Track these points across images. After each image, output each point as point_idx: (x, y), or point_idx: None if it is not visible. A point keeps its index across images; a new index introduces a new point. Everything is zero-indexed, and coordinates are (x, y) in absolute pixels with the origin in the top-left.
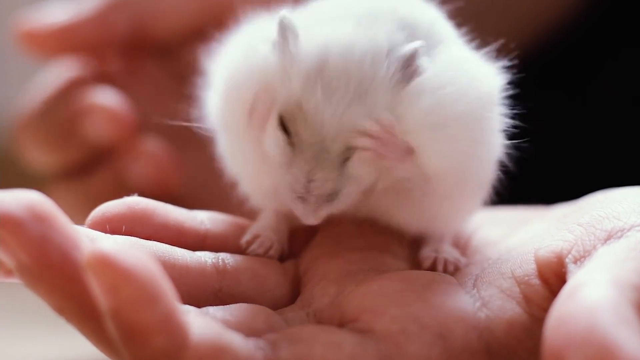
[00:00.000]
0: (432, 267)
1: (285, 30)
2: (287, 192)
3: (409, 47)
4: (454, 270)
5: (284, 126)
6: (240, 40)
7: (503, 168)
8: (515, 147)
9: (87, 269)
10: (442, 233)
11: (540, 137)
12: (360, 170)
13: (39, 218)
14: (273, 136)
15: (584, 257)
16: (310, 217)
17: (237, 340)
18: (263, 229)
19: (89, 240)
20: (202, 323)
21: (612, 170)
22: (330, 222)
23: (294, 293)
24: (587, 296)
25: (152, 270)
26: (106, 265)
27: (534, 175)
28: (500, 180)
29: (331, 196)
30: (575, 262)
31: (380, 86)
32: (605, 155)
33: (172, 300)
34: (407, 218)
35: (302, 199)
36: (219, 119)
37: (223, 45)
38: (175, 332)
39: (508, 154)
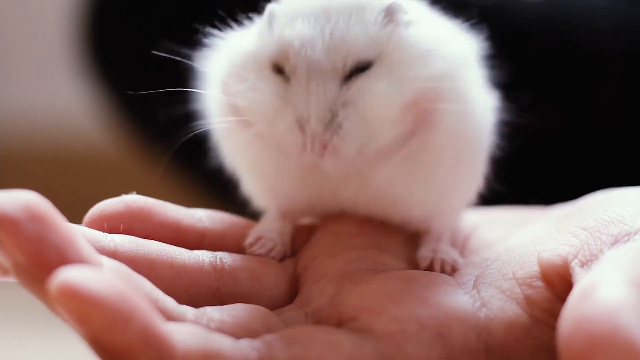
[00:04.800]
0: (429, 268)
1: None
2: (288, 126)
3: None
4: (451, 272)
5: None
6: (230, 43)
7: (500, 169)
8: (512, 146)
9: (55, 302)
10: (440, 228)
11: (536, 136)
12: (362, 91)
13: (36, 218)
14: (269, 81)
15: (591, 260)
16: (315, 147)
17: (226, 344)
18: (266, 231)
19: (85, 243)
20: (185, 331)
21: (609, 170)
22: (330, 221)
23: (292, 292)
24: (605, 295)
25: (120, 291)
26: (72, 296)
27: (533, 175)
28: (498, 180)
29: (334, 122)
30: (582, 266)
31: (364, 20)
32: (602, 155)
33: (148, 315)
34: (410, 204)
35: (304, 126)
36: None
37: (213, 49)
38: (158, 345)
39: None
